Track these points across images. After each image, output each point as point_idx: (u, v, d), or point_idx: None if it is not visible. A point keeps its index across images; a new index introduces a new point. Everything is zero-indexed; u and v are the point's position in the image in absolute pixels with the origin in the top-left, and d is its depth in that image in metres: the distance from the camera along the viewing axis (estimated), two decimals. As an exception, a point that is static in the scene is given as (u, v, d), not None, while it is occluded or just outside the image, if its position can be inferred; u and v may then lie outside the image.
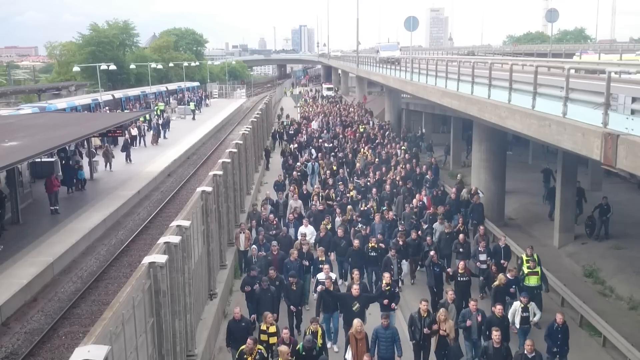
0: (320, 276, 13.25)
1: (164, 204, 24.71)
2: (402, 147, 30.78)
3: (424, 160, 29.64)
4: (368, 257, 15.47)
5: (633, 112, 9.85)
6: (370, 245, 15.54)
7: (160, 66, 69.30)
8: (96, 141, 34.29)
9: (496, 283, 13.37)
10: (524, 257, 14.69)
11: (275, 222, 17.91)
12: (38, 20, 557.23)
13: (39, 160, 24.25)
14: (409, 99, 41.37)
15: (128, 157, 32.94)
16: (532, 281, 14.18)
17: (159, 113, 48.89)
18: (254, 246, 15.14)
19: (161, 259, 8.87)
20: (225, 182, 16.64)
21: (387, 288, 12.68)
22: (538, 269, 14.30)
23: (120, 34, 73.27)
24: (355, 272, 13.09)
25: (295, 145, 32.61)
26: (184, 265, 10.24)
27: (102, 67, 47.41)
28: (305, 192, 21.94)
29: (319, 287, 12.66)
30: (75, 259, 18.43)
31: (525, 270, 14.22)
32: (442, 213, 18.93)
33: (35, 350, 12.84)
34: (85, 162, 28.81)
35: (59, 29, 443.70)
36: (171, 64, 77.47)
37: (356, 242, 15.46)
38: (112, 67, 51.07)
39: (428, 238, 16.64)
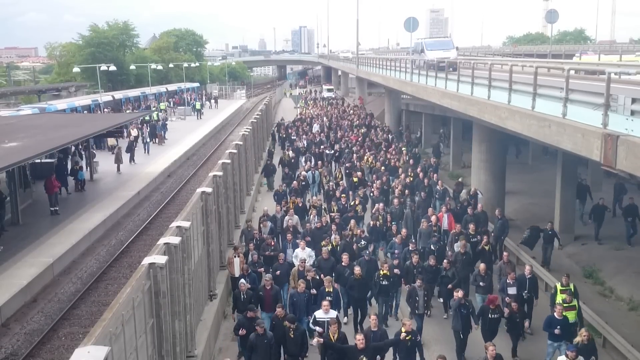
0: (319, 314, 11.27)
1: (163, 205, 24.70)
2: (403, 148, 30.39)
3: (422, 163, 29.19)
4: (380, 287, 13.47)
5: (633, 113, 9.86)
6: (381, 272, 13.46)
7: (160, 67, 69.32)
8: (112, 141, 33.95)
9: (578, 339, 10.58)
10: (558, 287, 12.80)
11: (273, 244, 15.55)
12: (39, 21, 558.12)
13: (38, 161, 24.25)
14: (409, 100, 41.38)
15: (132, 158, 32.84)
16: (569, 317, 11.89)
17: (157, 117, 48.63)
18: (242, 281, 12.85)
19: (161, 259, 8.87)
20: (225, 183, 16.64)
21: (407, 337, 10.46)
22: (575, 302, 12.23)
23: (120, 35, 73.28)
24: (373, 317, 10.95)
25: (292, 154, 29.38)
26: (184, 266, 10.24)
27: (102, 68, 47.42)
28: (300, 205, 19.77)
29: (315, 340, 10.50)
30: (75, 259, 18.43)
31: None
32: (473, 232, 16.47)
33: (35, 351, 12.82)
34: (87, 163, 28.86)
35: (59, 29, 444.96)
36: (171, 65, 77.50)
37: (357, 270, 13.15)
38: (112, 68, 51.08)
39: (445, 262, 14.36)
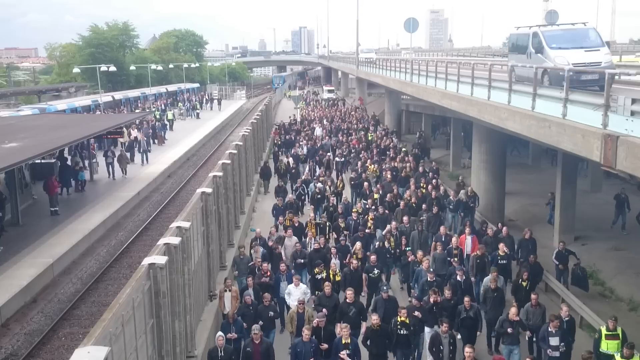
0: None
1: (163, 205, 24.69)
2: (403, 149, 30.06)
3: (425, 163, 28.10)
4: (398, 337, 10.83)
5: (633, 113, 9.88)
6: (399, 319, 10.85)
7: (160, 67, 69.36)
8: (124, 137, 33.34)
9: None
10: (603, 332, 10.80)
11: (269, 273, 13.31)
12: (39, 21, 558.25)
13: (38, 161, 24.25)
14: (409, 101, 41.42)
15: (132, 158, 32.68)
16: None
17: (172, 116, 48.59)
18: (219, 334, 10.36)
19: (161, 260, 8.87)
20: (225, 183, 16.64)
21: None
22: (637, 357, 9.83)
23: (120, 36, 73.40)
24: None
25: (292, 161, 26.78)
26: (184, 267, 10.24)
27: (102, 69, 47.46)
28: (297, 225, 17.01)
29: None
30: (75, 260, 18.42)
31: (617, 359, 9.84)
32: (503, 254, 14.30)
33: (35, 351, 12.82)
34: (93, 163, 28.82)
35: (60, 30, 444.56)
36: (171, 66, 77.58)
37: (375, 318, 10.63)
38: (112, 68, 51.15)
39: (466, 299, 11.67)
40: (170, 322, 9.25)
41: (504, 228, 16.44)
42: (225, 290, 12.50)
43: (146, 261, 8.78)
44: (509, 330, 11.09)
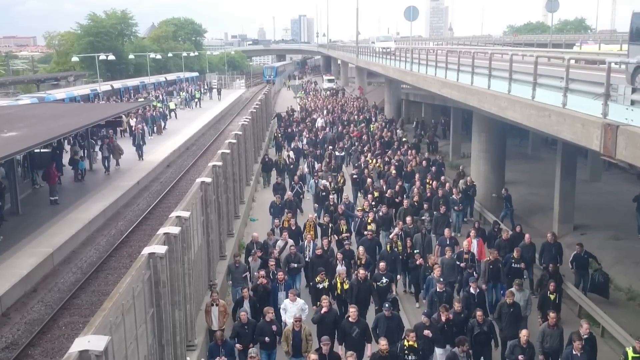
0: None
1: (163, 195, 24.70)
2: (403, 139, 29.86)
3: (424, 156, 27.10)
4: None
5: (633, 102, 9.87)
6: (406, 343, 9.70)
7: (159, 56, 69.09)
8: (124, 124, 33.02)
9: None
10: (630, 354, 9.79)
11: (266, 282, 12.23)
12: (39, 9, 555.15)
13: (37, 150, 24.21)
14: (409, 90, 41.28)
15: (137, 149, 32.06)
16: None
17: (174, 105, 48.50)
18: None
19: (161, 249, 8.89)
20: (224, 172, 16.62)
21: None
22: None
23: (119, 24, 73.04)
24: None
25: (292, 155, 25.86)
26: (184, 256, 10.26)
27: (100, 57, 47.27)
28: (294, 228, 15.79)
29: None
30: (75, 249, 18.45)
31: None
32: (517, 257, 13.20)
33: (35, 340, 12.88)
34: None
35: (59, 18, 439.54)
36: (170, 54, 77.31)
37: (383, 343, 9.50)
38: (111, 57, 50.98)
39: (478, 314, 10.57)
40: (170, 311, 9.28)
41: (527, 235, 14.65)
42: (212, 305, 11.28)
43: (146, 251, 8.79)
44: (520, 357, 9.75)
